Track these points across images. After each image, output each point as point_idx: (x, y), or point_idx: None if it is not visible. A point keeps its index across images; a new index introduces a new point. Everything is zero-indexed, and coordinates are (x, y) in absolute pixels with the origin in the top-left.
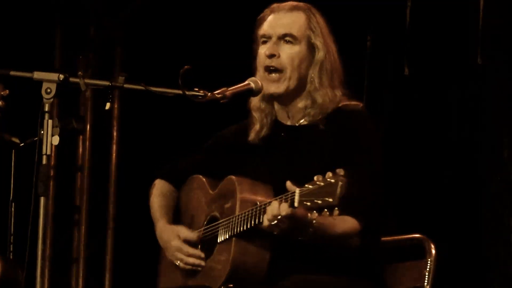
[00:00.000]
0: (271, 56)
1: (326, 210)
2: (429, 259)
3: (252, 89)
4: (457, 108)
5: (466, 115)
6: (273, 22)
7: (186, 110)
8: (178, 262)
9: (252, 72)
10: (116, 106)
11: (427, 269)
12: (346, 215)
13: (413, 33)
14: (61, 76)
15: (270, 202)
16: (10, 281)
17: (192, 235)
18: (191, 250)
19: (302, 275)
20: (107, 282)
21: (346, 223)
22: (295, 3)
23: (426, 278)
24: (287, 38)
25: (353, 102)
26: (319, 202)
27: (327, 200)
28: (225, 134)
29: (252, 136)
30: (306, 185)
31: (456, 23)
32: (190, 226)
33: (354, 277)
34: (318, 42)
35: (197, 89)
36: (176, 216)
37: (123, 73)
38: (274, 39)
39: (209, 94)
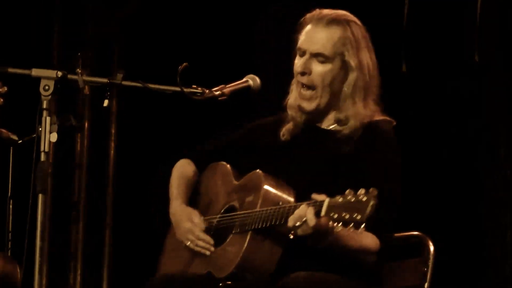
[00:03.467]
0: (303, 73)
1: (352, 225)
2: (427, 257)
3: (250, 87)
4: (454, 105)
5: (463, 113)
6: (308, 37)
7: (184, 108)
8: (188, 242)
9: (249, 70)
10: (114, 103)
11: (426, 267)
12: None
13: (411, 30)
14: (59, 73)
15: (297, 205)
16: (8, 277)
17: (202, 225)
18: (202, 235)
19: (301, 272)
20: (105, 279)
21: (367, 239)
22: (334, 14)
23: (425, 276)
24: (319, 58)
25: (386, 119)
26: (346, 217)
27: (355, 217)
28: (257, 126)
29: (284, 132)
30: (337, 197)
31: (454, 20)
32: (206, 210)
33: (352, 276)
34: (351, 60)
35: (195, 86)
36: (193, 198)
37: (121, 70)
38: (307, 56)
39: (207, 91)
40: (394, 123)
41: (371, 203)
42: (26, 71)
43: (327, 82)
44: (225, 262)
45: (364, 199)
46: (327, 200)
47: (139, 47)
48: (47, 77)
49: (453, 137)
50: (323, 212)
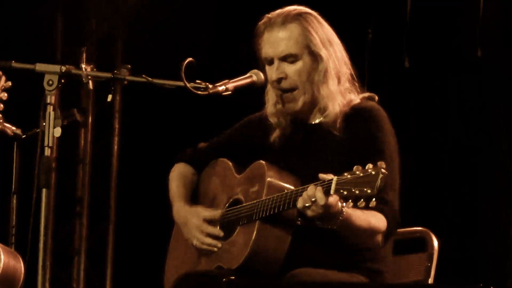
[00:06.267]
0: (279, 80)
1: (362, 200)
2: (431, 252)
3: (254, 82)
4: (456, 100)
5: (466, 108)
6: (270, 43)
7: (188, 103)
8: (195, 241)
9: (253, 65)
10: (118, 98)
11: (429, 262)
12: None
13: (413, 25)
14: (63, 68)
15: (305, 188)
16: (11, 272)
17: (212, 214)
18: (210, 229)
19: (305, 268)
20: (108, 274)
21: (375, 218)
22: (285, 13)
23: (429, 271)
24: (289, 59)
25: (365, 96)
26: (357, 192)
27: (365, 191)
28: (248, 123)
29: (274, 137)
30: (345, 174)
31: (456, 16)
32: (210, 207)
33: (355, 272)
34: (318, 50)
35: (199, 81)
36: (194, 199)
37: (125, 65)
38: (276, 61)
39: (211, 86)
40: (377, 98)
41: (381, 175)
42: (30, 66)
43: (304, 78)
44: (235, 253)
45: (373, 172)
46: (335, 178)
47: (143, 42)
48: (51, 72)
49: (456, 132)
50: (332, 190)
